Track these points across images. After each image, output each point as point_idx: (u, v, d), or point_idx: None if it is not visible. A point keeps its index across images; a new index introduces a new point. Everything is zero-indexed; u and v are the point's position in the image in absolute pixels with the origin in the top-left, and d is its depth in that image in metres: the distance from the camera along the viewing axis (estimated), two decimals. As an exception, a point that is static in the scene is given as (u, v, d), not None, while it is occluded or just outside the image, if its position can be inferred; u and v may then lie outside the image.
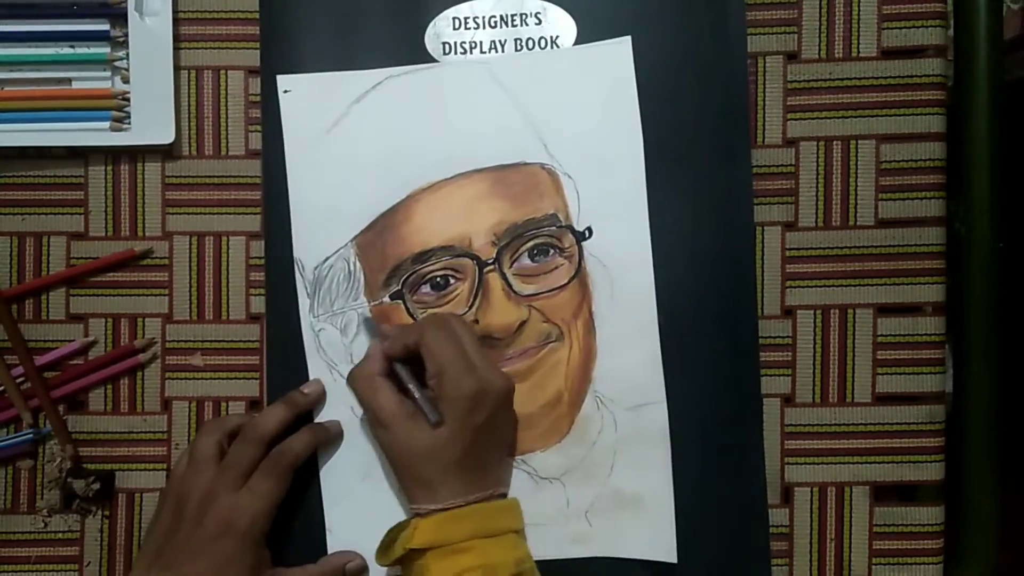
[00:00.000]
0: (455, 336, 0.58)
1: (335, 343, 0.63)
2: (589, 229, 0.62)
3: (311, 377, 0.63)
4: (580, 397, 0.62)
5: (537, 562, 0.60)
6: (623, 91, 0.62)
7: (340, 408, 0.63)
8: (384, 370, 0.59)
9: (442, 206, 0.62)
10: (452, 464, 0.57)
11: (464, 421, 0.56)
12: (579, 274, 0.62)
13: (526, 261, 0.62)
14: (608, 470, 0.62)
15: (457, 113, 0.63)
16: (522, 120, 0.62)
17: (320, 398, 0.63)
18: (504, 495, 0.61)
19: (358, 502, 0.62)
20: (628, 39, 0.62)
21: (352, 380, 0.60)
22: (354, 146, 0.63)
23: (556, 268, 0.62)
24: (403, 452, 0.58)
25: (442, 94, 0.63)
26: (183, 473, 0.59)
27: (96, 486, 0.62)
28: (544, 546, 0.62)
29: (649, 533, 0.62)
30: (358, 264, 0.63)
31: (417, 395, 0.58)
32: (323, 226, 0.63)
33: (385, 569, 0.61)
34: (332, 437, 0.62)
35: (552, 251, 0.62)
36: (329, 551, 0.62)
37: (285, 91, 0.63)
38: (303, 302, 0.63)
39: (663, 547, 0.61)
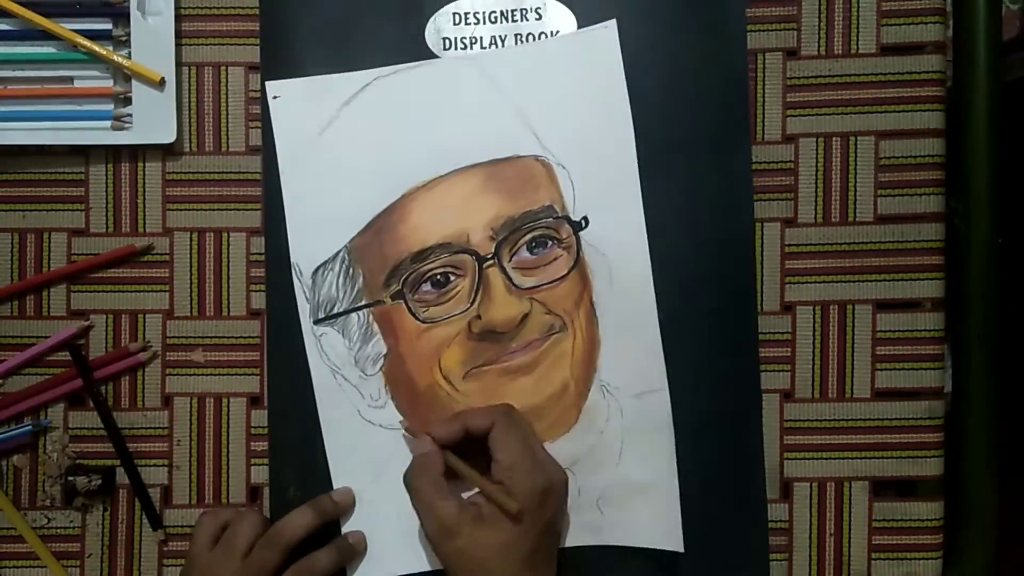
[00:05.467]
0: (523, 429, 0.59)
1: (337, 347, 0.63)
2: (585, 219, 0.62)
3: (314, 379, 0.63)
4: (586, 386, 0.62)
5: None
6: (611, 76, 0.62)
7: (346, 411, 0.63)
8: (443, 469, 0.57)
9: (438, 203, 0.62)
10: (524, 562, 0.55)
11: (535, 516, 0.56)
12: (578, 264, 0.62)
13: (525, 254, 0.62)
14: (616, 458, 0.62)
15: (448, 110, 0.63)
16: (513, 113, 0.62)
17: (350, 508, 0.62)
18: None
19: (371, 504, 0.63)
20: (613, 23, 0.62)
21: (412, 483, 0.57)
22: (346, 148, 0.63)
23: (555, 259, 0.62)
24: (475, 558, 0.55)
25: (432, 92, 0.63)
26: (208, 560, 0.59)
27: (97, 482, 0.63)
28: None
29: (657, 522, 0.62)
30: (357, 266, 0.63)
31: (489, 487, 0.56)
32: (319, 230, 0.63)
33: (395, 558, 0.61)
34: (356, 554, 0.62)
35: (550, 243, 0.62)
36: None
37: (274, 96, 0.63)
38: (303, 307, 0.63)
39: (670, 536, 0.61)
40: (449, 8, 0.63)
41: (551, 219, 0.62)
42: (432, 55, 0.63)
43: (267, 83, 0.63)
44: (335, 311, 0.62)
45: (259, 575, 0.58)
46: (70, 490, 0.63)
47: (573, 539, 0.62)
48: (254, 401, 0.64)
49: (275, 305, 0.63)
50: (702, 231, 0.63)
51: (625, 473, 0.62)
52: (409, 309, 0.62)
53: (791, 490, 0.63)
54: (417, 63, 0.63)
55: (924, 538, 0.63)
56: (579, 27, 0.63)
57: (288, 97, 0.63)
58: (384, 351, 0.62)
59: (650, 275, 0.62)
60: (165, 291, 0.64)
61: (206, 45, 0.64)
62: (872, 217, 0.63)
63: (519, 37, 0.63)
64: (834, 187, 0.63)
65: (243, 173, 0.64)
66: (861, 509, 0.63)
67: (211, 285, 0.64)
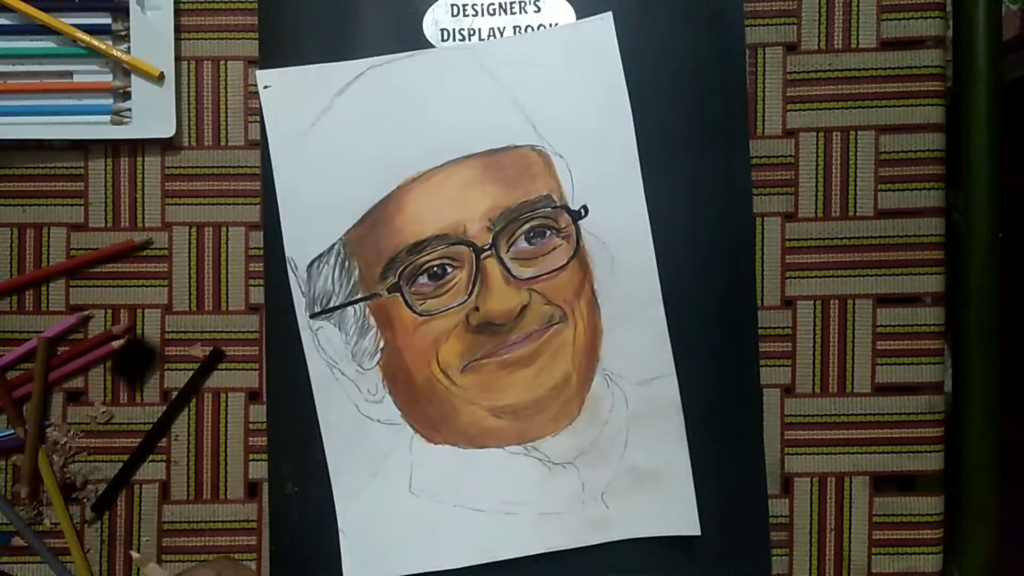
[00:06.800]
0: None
1: (334, 341, 0.63)
2: (585, 207, 0.62)
3: (311, 374, 0.62)
4: (589, 377, 0.62)
5: (555, 553, 0.60)
6: (608, 67, 0.62)
7: (343, 405, 0.63)
8: None
9: (434, 195, 0.62)
10: None
11: None
12: (578, 253, 0.62)
13: (523, 244, 0.62)
14: (622, 448, 0.62)
15: (443, 100, 0.62)
16: (509, 103, 0.62)
17: None
18: None
19: (369, 501, 0.62)
20: (609, 15, 0.62)
21: None
22: (340, 139, 0.62)
23: (554, 249, 0.62)
24: None
25: (427, 82, 0.62)
26: None
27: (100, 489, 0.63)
28: (562, 535, 0.62)
29: (669, 508, 0.62)
30: (352, 259, 0.62)
31: None
32: (314, 223, 0.63)
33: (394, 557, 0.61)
34: None
35: (549, 232, 0.62)
36: (343, 553, 0.62)
37: (265, 87, 0.63)
38: (299, 301, 0.63)
39: (685, 521, 0.61)
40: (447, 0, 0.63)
41: (549, 208, 0.62)
42: (430, 47, 0.63)
43: (258, 72, 0.63)
44: (331, 305, 0.62)
45: None
46: (71, 486, 0.63)
47: (579, 539, 0.62)
48: (253, 396, 0.64)
49: (274, 300, 0.63)
50: (702, 226, 0.62)
51: (632, 463, 0.62)
52: (406, 302, 0.62)
53: (791, 485, 0.63)
54: (412, 52, 0.63)
55: (924, 533, 0.63)
56: (577, 19, 0.62)
57: (280, 87, 0.63)
58: (381, 345, 0.62)
59: (654, 262, 0.62)
60: (164, 286, 0.64)
61: (205, 39, 0.64)
62: (872, 212, 0.63)
63: (518, 30, 0.63)
64: (834, 182, 0.63)
65: (242, 167, 0.64)
66: (861, 504, 0.63)
67: (210, 280, 0.64)
